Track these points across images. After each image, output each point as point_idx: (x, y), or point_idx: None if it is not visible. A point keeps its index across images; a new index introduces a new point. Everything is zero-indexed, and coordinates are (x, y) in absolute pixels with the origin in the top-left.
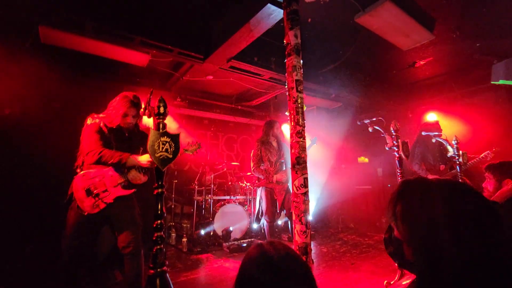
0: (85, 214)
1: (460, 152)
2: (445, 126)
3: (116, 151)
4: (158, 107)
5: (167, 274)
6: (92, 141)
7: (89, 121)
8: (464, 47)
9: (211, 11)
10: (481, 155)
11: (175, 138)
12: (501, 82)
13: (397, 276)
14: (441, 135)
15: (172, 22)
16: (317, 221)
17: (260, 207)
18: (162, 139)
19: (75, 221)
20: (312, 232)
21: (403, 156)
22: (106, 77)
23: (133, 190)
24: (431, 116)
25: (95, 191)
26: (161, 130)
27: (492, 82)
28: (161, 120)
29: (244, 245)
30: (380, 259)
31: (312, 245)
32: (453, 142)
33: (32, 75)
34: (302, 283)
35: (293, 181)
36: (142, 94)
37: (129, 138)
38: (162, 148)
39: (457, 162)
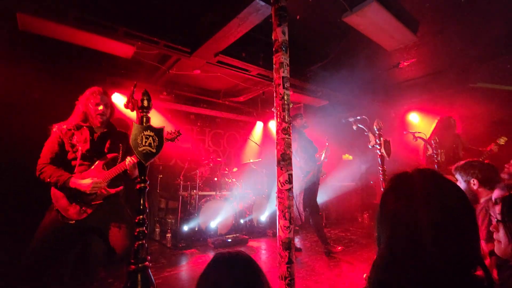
0: (73, 223)
1: (439, 151)
2: (426, 125)
3: (56, 170)
4: (142, 101)
5: (149, 270)
6: (43, 153)
7: (54, 129)
8: (445, 50)
9: (199, 4)
10: (492, 147)
11: (159, 132)
12: (479, 84)
13: None
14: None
15: (159, 13)
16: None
17: (307, 202)
18: (145, 133)
19: (52, 227)
20: (296, 228)
21: (385, 154)
22: (89, 68)
23: (121, 188)
24: (413, 116)
25: (79, 195)
26: (144, 124)
27: (470, 85)
28: (144, 113)
29: (229, 240)
30: (361, 253)
31: (296, 240)
32: (432, 142)
33: (9, 63)
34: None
35: (278, 178)
36: (126, 86)
37: (101, 140)
38: (145, 142)
39: (436, 161)
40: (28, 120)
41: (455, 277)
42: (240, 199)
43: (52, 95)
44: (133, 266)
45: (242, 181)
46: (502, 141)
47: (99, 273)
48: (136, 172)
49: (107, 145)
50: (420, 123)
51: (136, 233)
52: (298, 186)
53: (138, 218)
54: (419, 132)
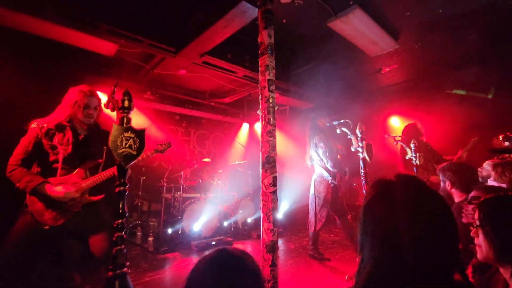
0: (47, 228)
1: (418, 154)
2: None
3: (26, 175)
4: (123, 101)
5: (128, 276)
6: (16, 152)
7: (32, 125)
8: (424, 57)
9: (185, 4)
10: (460, 155)
11: (140, 133)
12: (454, 91)
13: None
14: (401, 138)
15: (144, 11)
16: (286, 219)
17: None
18: (126, 134)
19: (27, 231)
20: (281, 230)
21: (367, 157)
22: (68, 65)
23: (102, 196)
24: (394, 120)
25: (57, 201)
26: (125, 125)
27: (446, 91)
28: (125, 114)
29: (213, 243)
30: (344, 254)
31: (280, 242)
32: (411, 146)
33: None
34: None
35: (262, 180)
36: (108, 84)
37: (87, 138)
38: (125, 144)
39: (415, 164)
40: (1, 117)
41: (437, 284)
42: (225, 201)
43: (28, 92)
44: (110, 273)
45: (227, 183)
46: (473, 142)
47: (75, 279)
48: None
49: (91, 148)
50: (400, 127)
51: (114, 238)
52: (323, 189)
53: (117, 222)
54: (399, 136)
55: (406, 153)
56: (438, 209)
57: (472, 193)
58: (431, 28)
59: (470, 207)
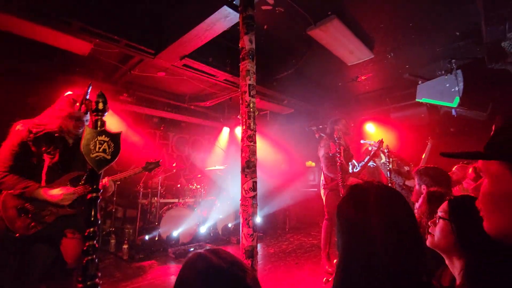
0: (17, 235)
1: (391, 159)
2: (381, 135)
3: (19, 181)
4: (97, 103)
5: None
6: (2, 157)
7: (17, 127)
8: (397, 67)
9: (165, 4)
10: (427, 149)
11: (115, 137)
12: (423, 100)
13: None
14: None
15: (121, 10)
16: (265, 223)
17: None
18: (100, 138)
19: None
20: (260, 234)
21: (343, 162)
22: (38, 63)
23: (80, 209)
24: (369, 126)
25: (31, 210)
26: (98, 128)
27: (416, 100)
28: (99, 117)
29: (192, 249)
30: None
31: (260, 247)
32: (385, 150)
33: None
34: None
35: (242, 185)
36: (82, 85)
37: (73, 148)
38: (99, 148)
39: (388, 168)
40: None
41: (406, 282)
42: (204, 206)
43: None
44: (80, 285)
45: (207, 188)
46: (429, 145)
47: None
48: (109, 192)
49: (77, 158)
50: (375, 133)
51: (85, 248)
52: (323, 192)
53: (88, 231)
54: (373, 142)
55: (380, 158)
56: (404, 211)
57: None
58: (403, 39)
59: (443, 205)
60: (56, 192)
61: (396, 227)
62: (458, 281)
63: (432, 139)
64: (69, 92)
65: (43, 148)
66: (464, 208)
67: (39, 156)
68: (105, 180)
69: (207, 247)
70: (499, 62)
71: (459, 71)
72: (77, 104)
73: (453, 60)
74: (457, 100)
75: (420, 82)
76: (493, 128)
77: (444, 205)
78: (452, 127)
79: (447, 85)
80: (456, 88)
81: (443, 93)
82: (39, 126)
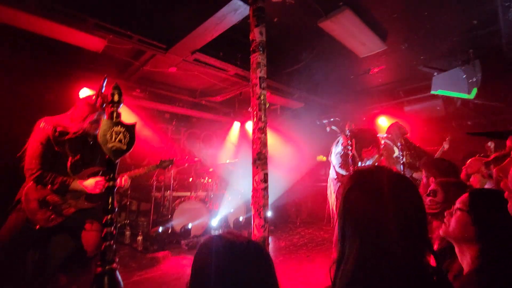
0: (37, 228)
1: (404, 152)
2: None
3: (58, 175)
4: (112, 95)
5: (117, 272)
6: (32, 156)
7: (41, 125)
8: (411, 58)
9: None
10: (442, 146)
11: (130, 128)
12: (439, 92)
13: None
14: (389, 137)
15: (133, 6)
16: (277, 217)
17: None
18: (116, 129)
19: (15, 231)
20: (272, 228)
21: (356, 155)
22: (52, 61)
23: (98, 203)
24: (382, 120)
25: (52, 203)
26: (114, 119)
27: (431, 92)
28: (114, 108)
29: None
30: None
31: (271, 240)
32: (398, 144)
33: None
34: (265, 268)
35: (253, 177)
36: (96, 81)
37: (93, 146)
38: (115, 138)
39: (401, 162)
40: None
41: (417, 266)
42: (215, 199)
43: (12, 89)
44: (99, 269)
45: (218, 182)
46: (448, 140)
47: (60, 280)
48: (123, 188)
49: (98, 154)
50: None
51: (103, 234)
52: (333, 188)
53: (105, 218)
54: (387, 135)
55: (392, 152)
56: (416, 197)
57: (432, 187)
58: (417, 29)
59: (428, 198)
60: (90, 182)
61: (406, 213)
62: (466, 270)
63: (450, 135)
64: (87, 92)
65: (67, 149)
66: (485, 200)
67: (63, 154)
68: (124, 179)
69: None
70: None
71: (477, 61)
72: (96, 109)
73: (471, 50)
74: (474, 91)
75: (435, 73)
76: None
77: (464, 197)
78: (469, 120)
79: (464, 76)
80: (474, 79)
81: (460, 84)
82: (63, 128)
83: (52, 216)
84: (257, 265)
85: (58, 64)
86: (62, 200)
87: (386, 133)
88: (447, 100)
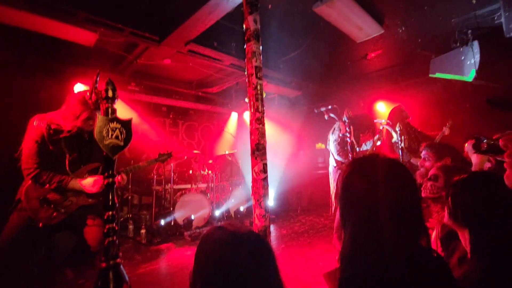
0: (40, 225)
1: (403, 137)
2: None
3: (55, 174)
4: (106, 90)
5: (122, 267)
6: (28, 155)
7: (34, 123)
8: (408, 42)
9: None
10: (443, 130)
11: (126, 124)
12: (437, 75)
13: None
14: (388, 122)
15: None
16: (278, 206)
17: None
18: (112, 125)
19: (22, 228)
20: (273, 217)
21: (354, 141)
22: (45, 57)
23: (100, 199)
24: (380, 105)
25: (53, 201)
26: (110, 116)
27: (430, 75)
28: (109, 104)
29: None
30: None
31: (273, 228)
32: (397, 129)
33: None
34: (266, 258)
35: (252, 167)
36: (89, 76)
37: (89, 142)
38: (112, 135)
39: (400, 147)
40: None
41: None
42: (216, 190)
43: (1, 86)
44: (103, 264)
45: (218, 173)
46: (449, 125)
47: (67, 274)
48: (121, 184)
49: (94, 150)
50: (386, 112)
51: (105, 230)
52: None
53: (107, 214)
54: (385, 120)
55: (391, 137)
56: (410, 182)
57: (432, 171)
58: (414, 11)
59: (429, 183)
60: (88, 181)
61: (401, 198)
62: (470, 255)
63: (451, 119)
64: (81, 88)
65: (63, 147)
66: (481, 183)
67: (60, 152)
68: (120, 176)
69: None
70: None
71: (475, 42)
72: (89, 106)
73: (469, 31)
74: (473, 73)
75: (433, 56)
76: None
77: (459, 182)
78: (467, 103)
79: (462, 58)
80: (472, 61)
81: (458, 66)
82: (57, 126)
83: (54, 214)
84: (258, 255)
85: (50, 61)
86: (63, 198)
87: (388, 117)
88: (446, 83)
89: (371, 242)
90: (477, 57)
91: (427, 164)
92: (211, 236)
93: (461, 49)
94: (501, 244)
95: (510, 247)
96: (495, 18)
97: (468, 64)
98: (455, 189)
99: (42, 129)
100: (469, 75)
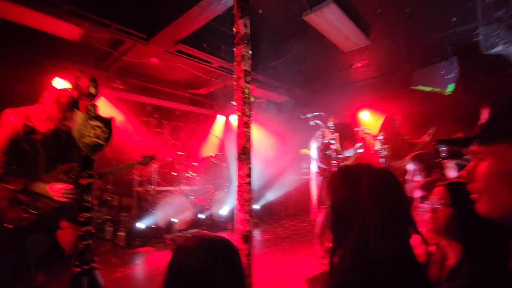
0: (11, 227)
1: (386, 146)
2: (375, 122)
3: (20, 178)
4: (88, 87)
5: (96, 272)
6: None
7: (10, 119)
8: (393, 54)
9: None
10: (425, 138)
11: (107, 122)
12: (419, 87)
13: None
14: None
15: None
16: (261, 210)
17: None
18: (92, 123)
19: None
20: (256, 221)
21: (339, 148)
22: (24, 49)
23: (75, 200)
24: (364, 114)
25: (24, 201)
26: (91, 113)
27: (412, 87)
28: (91, 102)
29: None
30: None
31: (256, 233)
32: (380, 138)
33: None
34: (236, 270)
35: (238, 171)
36: (72, 72)
37: (67, 141)
38: (92, 133)
39: (382, 155)
40: None
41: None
42: (200, 194)
43: None
44: (77, 269)
45: (203, 176)
46: (432, 132)
47: (38, 278)
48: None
49: (73, 149)
50: (370, 120)
51: (81, 233)
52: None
53: (83, 216)
54: (368, 129)
55: (374, 145)
56: (396, 186)
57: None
58: (399, 25)
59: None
60: (52, 187)
61: (388, 203)
62: (451, 262)
63: (433, 128)
64: (59, 82)
65: (38, 146)
66: (464, 192)
67: (35, 149)
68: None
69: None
70: (494, 48)
71: (454, 58)
72: (65, 101)
73: (449, 47)
74: (451, 86)
75: (415, 69)
76: (485, 110)
77: (442, 190)
78: (445, 115)
79: (442, 72)
80: (452, 75)
81: (438, 80)
82: (33, 125)
83: (24, 215)
84: (230, 267)
85: (30, 52)
86: (35, 198)
87: (382, 124)
88: (426, 95)
89: (362, 248)
90: (456, 72)
91: (417, 179)
92: (184, 247)
93: (442, 63)
94: (485, 252)
95: (494, 256)
96: (474, 35)
97: (448, 78)
98: (456, 195)
99: (18, 127)
100: (448, 89)
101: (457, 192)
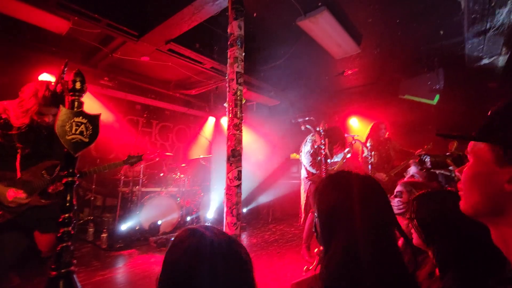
0: None
1: (372, 153)
2: (364, 129)
3: None
4: (74, 82)
5: (74, 275)
6: None
7: None
8: (382, 63)
9: None
10: (420, 151)
11: (93, 119)
12: (406, 96)
13: (314, 262)
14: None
15: None
16: (249, 214)
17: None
18: (76, 119)
19: None
20: (243, 224)
21: (328, 154)
22: (9, 40)
23: (54, 200)
24: (353, 121)
25: (1, 198)
26: (75, 109)
27: (399, 96)
28: (76, 97)
29: (173, 239)
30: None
31: (243, 237)
32: (368, 145)
33: None
34: (246, 268)
35: (227, 174)
36: (58, 66)
37: (49, 137)
38: (76, 130)
39: (369, 162)
40: None
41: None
42: (187, 195)
43: None
44: (54, 272)
45: (191, 177)
46: (428, 147)
47: (13, 280)
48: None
49: (52, 146)
50: (359, 127)
51: (59, 234)
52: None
53: (63, 216)
54: (357, 135)
55: (362, 151)
56: (382, 194)
57: (397, 188)
58: (388, 36)
59: (396, 199)
60: (9, 194)
61: (376, 209)
62: (438, 272)
63: (430, 144)
64: (46, 77)
65: (14, 141)
66: (423, 204)
67: (11, 143)
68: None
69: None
70: (479, 61)
71: (440, 70)
72: (41, 95)
73: (436, 59)
74: (437, 97)
75: (403, 79)
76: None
77: (413, 205)
78: (430, 124)
79: (429, 82)
80: (437, 86)
81: (424, 90)
82: (9, 118)
83: (0, 213)
84: (235, 268)
85: (15, 45)
86: (11, 196)
87: (369, 132)
88: (413, 104)
89: (351, 253)
90: (442, 83)
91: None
92: (183, 242)
93: (428, 74)
94: (463, 261)
95: (474, 267)
96: (460, 48)
97: (433, 89)
98: (414, 206)
99: None
100: (434, 99)
101: (420, 205)
